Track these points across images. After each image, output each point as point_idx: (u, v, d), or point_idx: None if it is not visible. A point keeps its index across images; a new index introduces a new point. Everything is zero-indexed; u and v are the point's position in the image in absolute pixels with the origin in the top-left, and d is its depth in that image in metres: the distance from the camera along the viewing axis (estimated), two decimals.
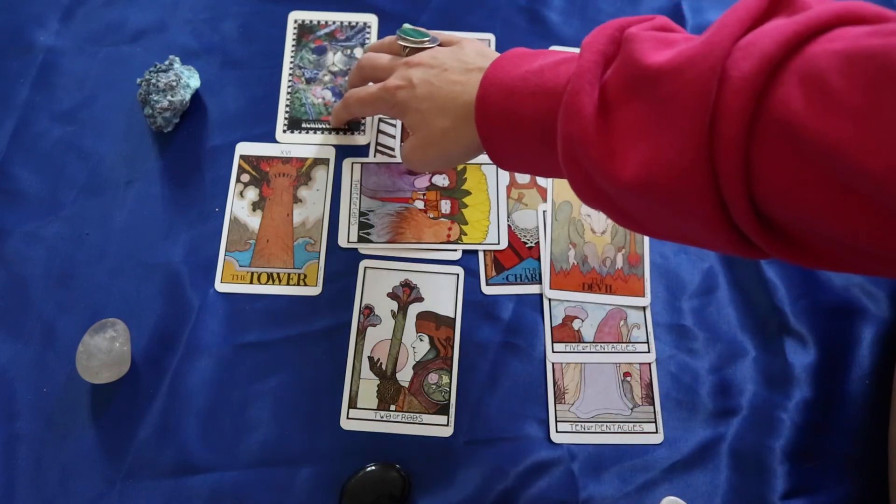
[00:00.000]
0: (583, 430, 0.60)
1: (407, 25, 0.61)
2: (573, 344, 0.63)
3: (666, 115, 0.38)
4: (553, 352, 0.62)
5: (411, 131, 0.56)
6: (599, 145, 0.41)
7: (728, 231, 0.39)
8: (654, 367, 0.62)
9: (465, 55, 0.55)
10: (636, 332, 0.63)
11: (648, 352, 0.62)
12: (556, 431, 0.60)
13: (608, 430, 0.60)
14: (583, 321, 0.63)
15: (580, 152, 0.42)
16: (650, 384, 0.61)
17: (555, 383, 0.61)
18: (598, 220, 0.67)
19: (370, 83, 0.63)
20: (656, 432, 0.60)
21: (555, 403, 0.61)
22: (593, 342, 0.63)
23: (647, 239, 0.66)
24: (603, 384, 0.62)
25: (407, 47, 0.59)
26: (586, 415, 0.60)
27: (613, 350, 0.63)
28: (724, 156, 0.36)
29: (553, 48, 0.73)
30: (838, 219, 0.34)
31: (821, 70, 0.34)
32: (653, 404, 0.61)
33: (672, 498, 0.57)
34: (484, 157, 0.69)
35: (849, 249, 0.36)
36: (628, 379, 0.62)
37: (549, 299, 0.64)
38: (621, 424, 0.60)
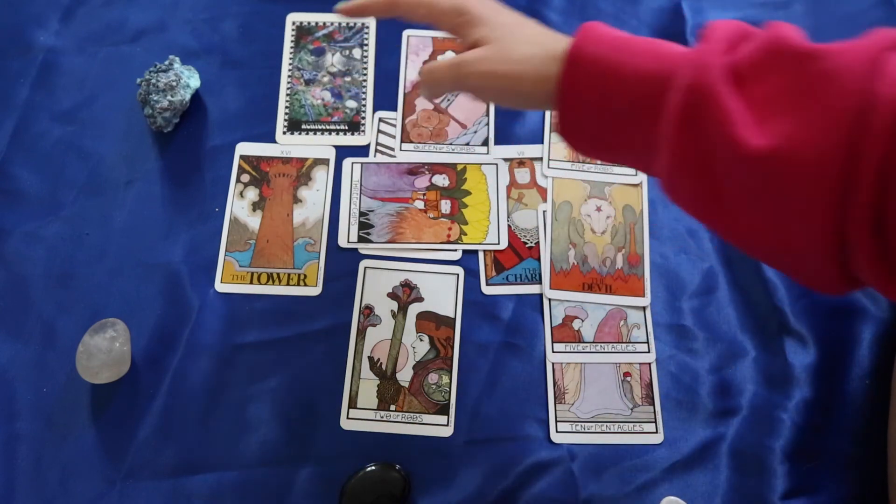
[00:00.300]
0: (583, 430, 0.60)
1: None
2: (573, 344, 0.63)
3: (815, 93, 0.35)
4: (553, 352, 0.62)
5: (486, 42, 0.48)
6: (730, 110, 0.37)
7: (831, 239, 0.35)
8: (654, 367, 0.62)
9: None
10: (636, 332, 0.63)
11: (648, 352, 0.62)
12: (557, 431, 0.60)
13: (608, 430, 0.60)
14: (583, 321, 0.63)
15: (706, 112, 0.38)
16: (650, 384, 0.61)
17: (555, 383, 0.61)
18: (598, 221, 0.67)
19: None
20: (656, 432, 0.60)
21: (555, 403, 0.61)
22: (593, 342, 0.63)
23: (647, 239, 0.66)
24: (603, 384, 0.62)
25: None
26: (586, 415, 0.60)
27: (613, 350, 0.63)
28: (866, 150, 0.33)
29: None
30: None
31: None
32: (653, 404, 0.61)
33: (672, 498, 0.57)
34: (483, 157, 0.69)
35: None
36: (628, 379, 0.62)
37: (549, 299, 0.64)
38: (621, 424, 0.60)
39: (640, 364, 0.62)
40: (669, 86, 0.40)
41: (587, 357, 0.62)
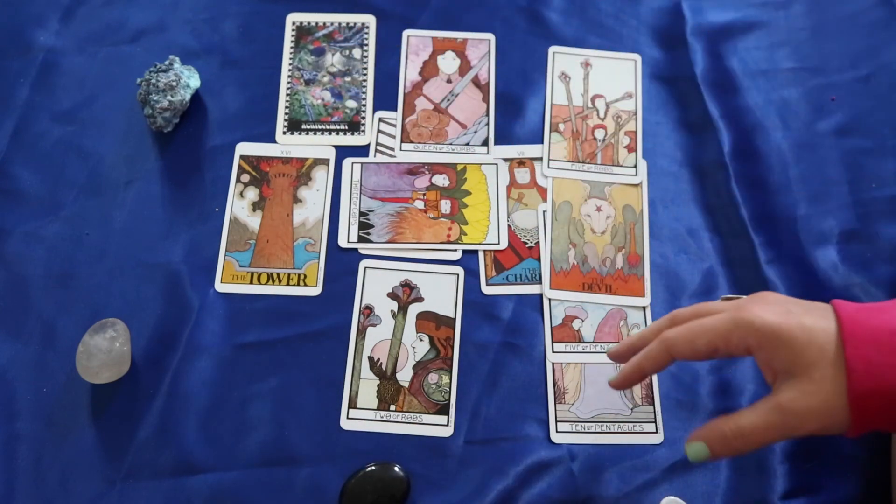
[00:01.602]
0: (583, 430, 0.60)
1: None
2: (573, 344, 0.63)
3: None
4: (553, 352, 0.62)
5: (795, 374, 0.42)
6: None
7: None
8: None
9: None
10: (636, 332, 0.63)
11: None
12: (557, 431, 0.60)
13: (608, 430, 0.60)
14: (583, 321, 0.63)
15: None
16: (650, 384, 0.61)
17: (555, 383, 0.61)
18: (597, 220, 0.67)
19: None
20: (656, 432, 0.60)
21: (555, 403, 0.61)
22: (593, 342, 0.63)
23: (647, 239, 0.66)
24: (603, 384, 0.61)
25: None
26: (586, 415, 0.60)
27: None
28: None
29: (553, 48, 0.73)
30: None
31: None
32: (653, 404, 0.61)
33: (672, 498, 0.57)
34: (483, 157, 0.69)
35: None
36: None
37: (549, 299, 0.64)
38: (621, 424, 0.60)
39: None
40: None
41: (587, 357, 0.62)
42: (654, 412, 0.61)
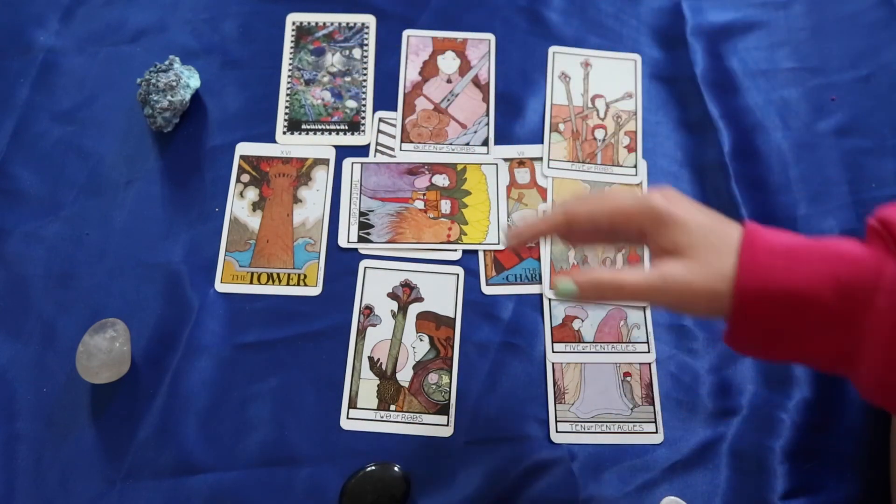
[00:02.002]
0: (583, 430, 0.60)
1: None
2: (573, 344, 0.63)
3: None
4: (553, 352, 0.62)
5: (683, 251, 0.43)
6: None
7: None
8: (654, 367, 0.62)
9: None
10: (636, 333, 0.63)
11: (648, 352, 0.62)
12: (557, 431, 0.60)
13: (608, 430, 0.60)
14: (583, 321, 0.63)
15: None
16: (650, 384, 0.61)
17: (555, 383, 0.61)
18: None
19: None
20: (656, 432, 0.60)
21: (555, 403, 0.61)
22: (593, 342, 0.63)
23: None
24: (603, 384, 0.62)
25: None
26: (586, 415, 0.60)
27: (613, 350, 0.63)
28: None
29: (553, 48, 0.73)
30: None
31: None
32: (653, 404, 0.61)
33: (672, 498, 0.57)
34: (483, 157, 0.69)
35: None
36: (628, 379, 0.62)
37: (550, 299, 0.64)
38: (621, 424, 0.60)
39: (640, 364, 0.62)
40: (873, 293, 0.37)
41: (587, 357, 0.62)
42: (654, 412, 0.61)
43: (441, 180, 0.68)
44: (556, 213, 0.48)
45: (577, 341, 0.63)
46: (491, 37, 0.73)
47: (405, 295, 0.64)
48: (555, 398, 0.61)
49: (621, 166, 0.69)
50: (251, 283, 0.64)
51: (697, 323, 0.63)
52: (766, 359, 0.45)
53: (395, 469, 0.57)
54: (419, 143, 0.69)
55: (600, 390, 0.61)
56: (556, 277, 0.46)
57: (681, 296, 0.42)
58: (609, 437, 0.60)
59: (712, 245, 0.42)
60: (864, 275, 0.38)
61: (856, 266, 0.39)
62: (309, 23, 0.74)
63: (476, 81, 0.72)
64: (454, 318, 0.63)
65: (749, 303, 0.40)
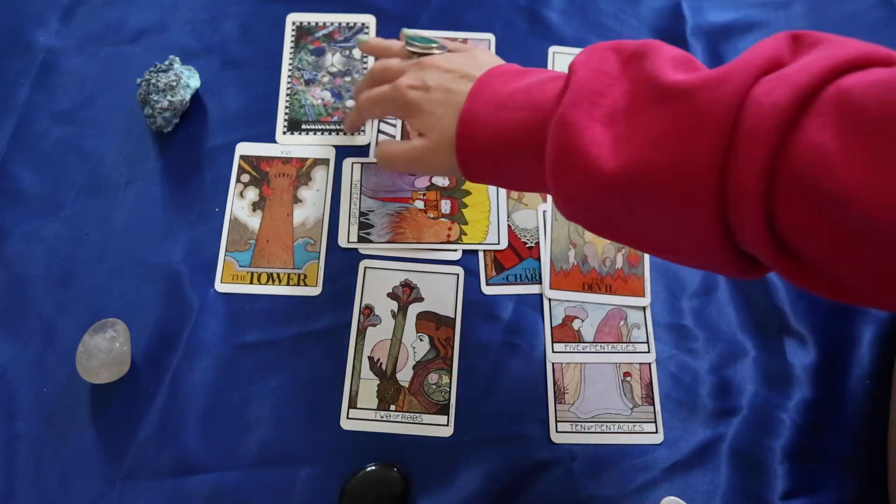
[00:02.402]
0: (583, 430, 0.60)
1: (412, 31, 0.60)
2: (573, 344, 0.63)
3: (681, 131, 0.38)
4: (553, 352, 0.62)
5: (422, 132, 0.54)
6: (593, 154, 0.41)
7: (722, 245, 0.39)
8: (653, 367, 0.62)
9: (480, 63, 0.54)
10: (636, 333, 0.63)
11: (648, 352, 0.62)
12: (557, 431, 0.60)
13: (608, 430, 0.60)
14: (583, 321, 0.63)
15: (570, 162, 0.43)
16: (650, 384, 0.61)
17: (555, 383, 0.61)
18: None
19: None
20: (656, 432, 0.60)
21: (555, 403, 0.61)
22: (593, 342, 0.63)
23: None
24: (603, 384, 0.62)
25: (415, 53, 0.58)
26: (586, 415, 0.60)
27: (613, 350, 0.63)
28: (744, 177, 0.35)
29: (553, 48, 0.73)
30: (855, 262, 0.34)
31: (856, 98, 0.33)
32: (653, 404, 0.61)
33: (672, 498, 0.57)
34: None
35: (870, 288, 0.35)
36: (628, 379, 0.62)
37: (549, 299, 0.64)
38: (621, 424, 0.60)
39: (640, 364, 0.62)
40: (545, 135, 0.45)
41: (587, 357, 0.62)
42: (654, 412, 0.61)
43: (441, 180, 0.68)
44: (354, 107, 0.63)
45: (578, 341, 0.63)
46: (491, 37, 0.73)
47: (405, 295, 0.64)
48: (555, 398, 0.61)
49: None
50: (251, 283, 0.64)
51: (697, 323, 0.63)
52: (493, 184, 0.54)
53: (395, 469, 0.57)
54: None
55: (600, 390, 0.61)
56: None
57: (425, 158, 0.54)
58: (609, 437, 0.60)
59: (440, 116, 0.52)
60: (543, 120, 0.46)
61: (542, 113, 0.46)
62: (309, 23, 0.74)
63: None
64: (454, 318, 0.63)
65: (462, 146, 0.50)
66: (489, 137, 0.49)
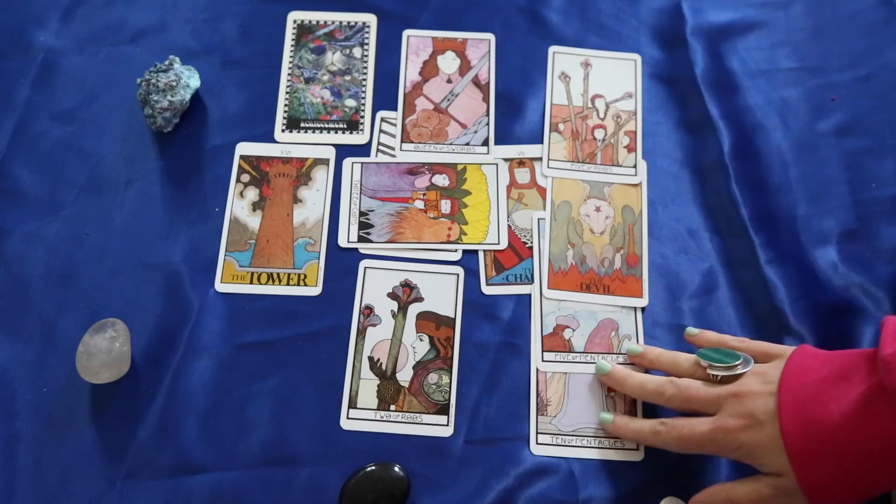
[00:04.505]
0: (563, 444, 0.59)
1: (700, 336, 0.59)
2: (563, 353, 0.62)
3: None
4: (543, 360, 0.62)
5: (774, 472, 0.51)
6: None
7: None
8: None
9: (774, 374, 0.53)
10: (627, 344, 0.62)
11: (636, 366, 0.62)
12: (537, 443, 0.59)
13: (589, 445, 0.59)
14: (574, 331, 0.63)
15: None
16: (633, 400, 0.61)
17: (538, 395, 0.61)
18: (596, 221, 0.67)
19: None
20: (637, 448, 0.59)
21: (536, 415, 0.60)
22: (584, 352, 0.62)
23: (645, 240, 0.66)
24: (586, 398, 0.61)
25: (718, 376, 0.55)
26: (567, 428, 0.60)
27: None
28: None
29: (553, 48, 0.73)
30: None
31: None
32: None
33: (672, 498, 0.57)
34: (483, 157, 0.69)
35: None
36: (612, 395, 0.61)
37: (543, 296, 0.63)
38: (602, 440, 0.59)
39: None
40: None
41: (576, 367, 0.62)
42: None
43: (441, 180, 0.68)
44: (644, 429, 0.57)
45: (567, 351, 0.62)
46: (491, 37, 0.73)
47: (405, 295, 0.64)
48: (537, 410, 0.60)
49: (621, 166, 0.69)
50: (251, 283, 0.64)
51: (697, 323, 0.63)
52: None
53: (395, 469, 0.57)
54: (419, 142, 0.69)
55: (584, 404, 0.61)
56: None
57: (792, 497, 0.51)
58: (589, 452, 0.59)
59: (776, 460, 0.50)
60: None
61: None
62: (310, 21, 0.74)
63: (476, 81, 0.72)
64: (454, 318, 0.63)
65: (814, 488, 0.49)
66: (854, 493, 0.49)
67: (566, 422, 0.60)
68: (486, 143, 0.69)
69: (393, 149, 0.69)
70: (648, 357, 0.60)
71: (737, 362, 0.54)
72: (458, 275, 0.65)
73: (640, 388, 0.58)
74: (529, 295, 0.64)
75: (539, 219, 0.67)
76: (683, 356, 0.58)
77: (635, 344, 0.62)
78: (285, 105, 0.70)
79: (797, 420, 0.49)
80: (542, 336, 0.63)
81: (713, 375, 0.55)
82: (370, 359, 0.62)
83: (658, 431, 0.55)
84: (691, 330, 0.60)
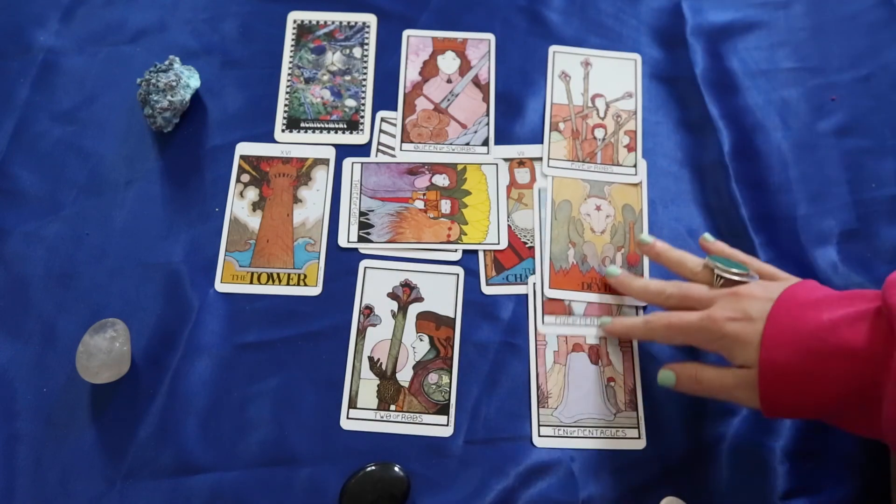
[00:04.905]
0: (565, 435, 0.59)
1: (713, 246, 0.60)
2: (563, 317, 0.63)
3: None
4: (543, 323, 0.63)
5: (747, 364, 0.52)
6: None
7: None
8: (637, 371, 0.62)
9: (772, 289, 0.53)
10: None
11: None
12: (539, 436, 0.59)
13: (591, 436, 0.60)
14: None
15: None
16: (633, 389, 0.61)
17: (538, 387, 0.61)
18: (597, 220, 0.67)
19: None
20: (639, 437, 0.60)
21: (538, 408, 0.60)
22: (583, 315, 0.63)
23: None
24: (586, 388, 0.61)
25: (723, 278, 0.56)
26: (569, 419, 0.60)
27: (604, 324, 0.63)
28: None
29: (553, 48, 0.73)
30: None
31: None
32: (636, 409, 0.61)
33: (672, 498, 0.57)
34: (483, 157, 0.69)
35: None
36: (612, 384, 0.61)
37: (540, 294, 0.64)
38: (604, 430, 0.60)
39: (623, 369, 0.62)
40: (873, 386, 0.46)
41: (576, 329, 0.63)
42: (638, 417, 0.60)
43: (441, 180, 0.68)
44: (641, 327, 0.59)
45: (568, 314, 0.63)
46: (491, 37, 0.73)
47: (405, 295, 0.64)
48: (538, 402, 0.60)
49: (621, 165, 0.69)
50: (251, 283, 0.64)
51: None
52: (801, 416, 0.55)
53: (395, 469, 0.57)
54: (419, 142, 0.69)
55: (584, 394, 0.61)
56: (662, 370, 0.58)
57: (754, 389, 0.51)
58: (591, 443, 0.59)
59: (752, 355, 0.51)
60: (867, 374, 0.46)
61: (864, 365, 0.46)
62: (310, 21, 0.74)
63: (476, 81, 0.72)
64: (454, 318, 0.63)
65: (773, 403, 0.50)
66: (800, 391, 0.49)
67: (567, 413, 0.60)
68: (486, 143, 0.69)
69: (393, 149, 0.69)
70: (657, 248, 0.61)
71: (745, 271, 0.56)
72: (458, 275, 0.65)
73: (643, 288, 0.60)
74: (530, 292, 0.64)
75: (541, 217, 0.67)
76: (691, 256, 0.60)
77: (647, 235, 0.62)
78: (285, 105, 0.70)
79: (787, 316, 0.50)
80: (542, 301, 0.63)
81: (718, 277, 0.56)
82: (370, 359, 0.62)
83: (649, 320, 0.57)
84: (707, 236, 0.61)
